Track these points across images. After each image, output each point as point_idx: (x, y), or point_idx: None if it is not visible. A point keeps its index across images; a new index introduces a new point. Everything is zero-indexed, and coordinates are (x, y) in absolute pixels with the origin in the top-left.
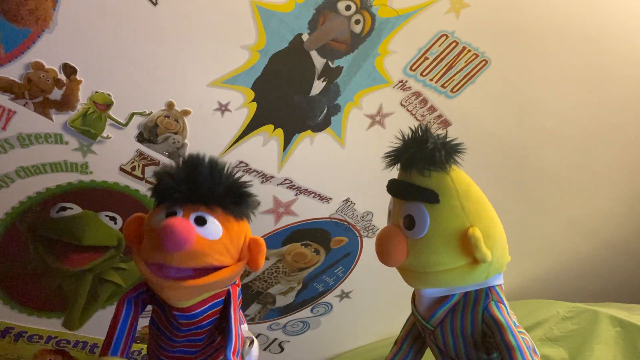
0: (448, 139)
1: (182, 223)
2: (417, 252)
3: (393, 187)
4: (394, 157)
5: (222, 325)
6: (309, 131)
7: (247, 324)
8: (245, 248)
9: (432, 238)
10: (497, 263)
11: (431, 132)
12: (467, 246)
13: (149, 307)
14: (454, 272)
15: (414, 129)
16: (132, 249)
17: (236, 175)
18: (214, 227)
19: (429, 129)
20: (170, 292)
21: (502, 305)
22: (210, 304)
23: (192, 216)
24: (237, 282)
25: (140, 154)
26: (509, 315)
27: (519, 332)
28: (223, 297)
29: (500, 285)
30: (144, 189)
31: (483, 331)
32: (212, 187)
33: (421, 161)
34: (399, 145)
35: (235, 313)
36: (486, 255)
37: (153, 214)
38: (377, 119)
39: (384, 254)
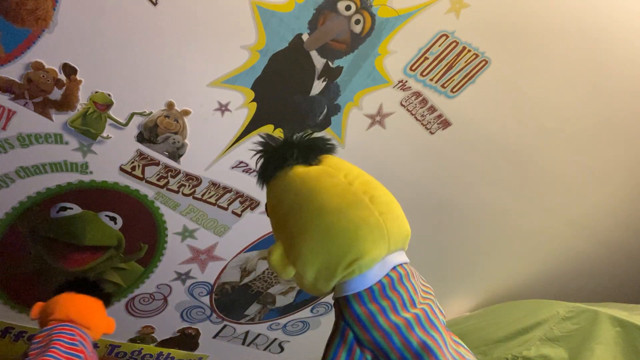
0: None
1: None
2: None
3: None
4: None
5: None
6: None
7: (247, 324)
8: None
9: None
10: (326, 270)
11: (264, 148)
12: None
13: None
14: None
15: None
16: None
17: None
18: None
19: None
20: None
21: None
22: None
23: None
24: None
25: (140, 154)
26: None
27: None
28: None
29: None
30: (144, 189)
31: None
32: None
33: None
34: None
35: None
36: (279, 273)
37: None
38: (377, 119)
39: None
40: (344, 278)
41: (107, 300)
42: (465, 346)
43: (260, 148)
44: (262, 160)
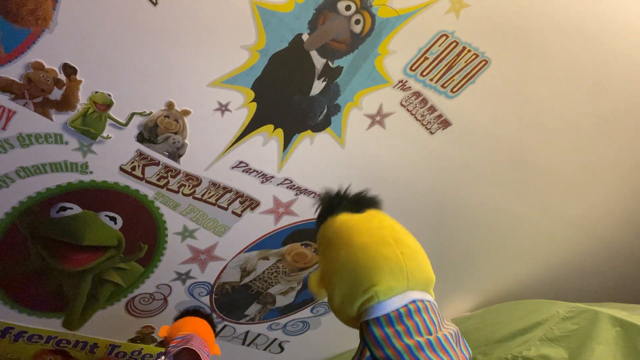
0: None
1: None
2: None
3: None
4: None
5: None
6: (309, 131)
7: (247, 324)
8: None
9: None
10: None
11: (321, 199)
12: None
13: None
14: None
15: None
16: None
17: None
18: None
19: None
20: None
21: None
22: None
23: None
24: None
25: (140, 154)
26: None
27: None
28: None
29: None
30: (144, 189)
31: None
32: None
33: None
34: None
35: None
36: (315, 294)
37: None
38: (377, 119)
39: None
40: (365, 304)
41: (214, 328)
42: None
43: (319, 200)
44: (319, 207)
